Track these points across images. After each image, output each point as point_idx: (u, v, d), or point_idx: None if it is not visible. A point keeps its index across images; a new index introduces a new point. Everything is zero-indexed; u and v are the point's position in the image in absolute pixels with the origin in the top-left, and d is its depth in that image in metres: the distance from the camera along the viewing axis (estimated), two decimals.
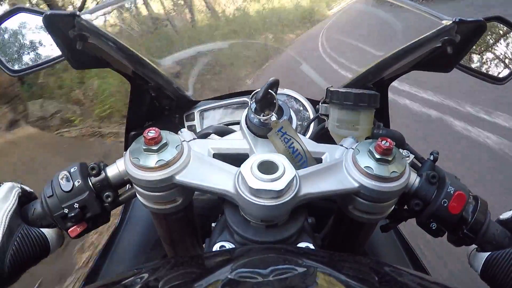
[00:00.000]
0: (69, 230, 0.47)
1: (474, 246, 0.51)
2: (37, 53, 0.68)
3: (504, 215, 0.51)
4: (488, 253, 0.47)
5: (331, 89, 0.63)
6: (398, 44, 0.63)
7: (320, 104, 0.67)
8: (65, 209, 0.46)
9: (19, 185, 0.49)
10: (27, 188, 0.51)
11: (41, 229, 0.47)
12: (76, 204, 0.46)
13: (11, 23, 0.65)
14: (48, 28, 0.54)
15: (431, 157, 0.52)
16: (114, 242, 0.84)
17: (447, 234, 0.50)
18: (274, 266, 0.35)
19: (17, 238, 0.44)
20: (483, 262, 0.47)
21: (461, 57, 0.59)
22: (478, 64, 0.65)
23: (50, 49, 0.64)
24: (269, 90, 0.49)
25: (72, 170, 0.48)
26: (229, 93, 1.12)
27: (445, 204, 0.47)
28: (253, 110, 0.50)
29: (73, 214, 0.46)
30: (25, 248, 0.45)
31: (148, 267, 0.44)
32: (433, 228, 0.48)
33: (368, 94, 0.58)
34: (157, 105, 0.94)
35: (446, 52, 0.57)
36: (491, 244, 0.48)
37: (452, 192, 0.47)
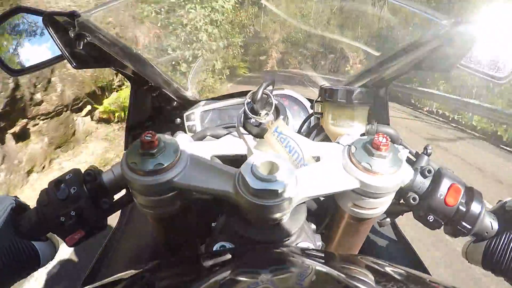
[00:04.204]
0: (66, 238, 0.46)
1: (469, 241, 0.52)
2: (37, 52, 0.68)
3: (496, 205, 0.52)
4: (486, 241, 0.49)
5: (325, 87, 0.63)
6: None
7: (314, 102, 0.67)
8: (61, 218, 0.45)
9: (12, 198, 0.48)
10: (22, 202, 0.49)
11: (32, 242, 0.46)
12: (72, 211, 0.45)
13: (11, 23, 0.65)
14: (48, 28, 0.54)
15: (425, 152, 0.53)
16: (113, 243, 0.84)
17: (444, 226, 0.51)
18: (274, 266, 0.35)
19: (5, 250, 0.43)
20: (482, 251, 0.49)
21: (461, 57, 0.59)
22: (478, 63, 0.65)
23: (50, 48, 0.64)
24: (265, 90, 0.48)
25: (67, 177, 0.46)
26: (229, 93, 1.12)
27: (441, 197, 0.48)
28: (249, 110, 0.50)
29: (70, 222, 0.45)
30: (13, 261, 0.43)
31: (148, 268, 0.44)
32: (430, 220, 0.49)
33: (361, 92, 0.59)
34: (157, 105, 0.94)
35: (446, 52, 0.57)
36: (487, 233, 0.49)
37: (447, 185, 0.48)
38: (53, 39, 0.57)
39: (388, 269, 0.41)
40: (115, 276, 0.41)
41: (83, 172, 0.48)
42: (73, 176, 0.47)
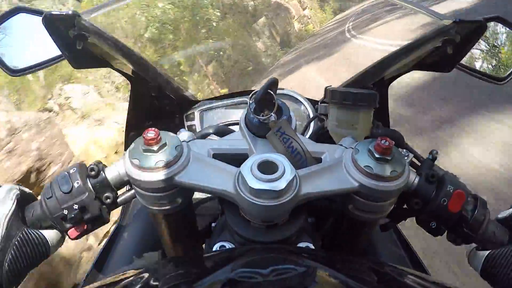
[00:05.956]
0: (69, 231, 0.47)
1: (473, 245, 0.51)
2: (37, 52, 0.68)
3: (503, 214, 0.51)
4: (488, 251, 0.47)
5: (330, 88, 0.63)
6: None
7: (319, 103, 0.67)
8: (64, 210, 0.45)
9: (17, 187, 0.48)
10: (26, 190, 0.50)
11: (40, 231, 0.46)
12: (75, 205, 0.46)
13: (11, 23, 0.65)
14: (48, 28, 0.54)
15: (430, 156, 0.52)
16: (114, 242, 0.84)
17: (446, 232, 0.50)
18: (274, 266, 0.35)
19: (16, 241, 0.43)
20: (483, 260, 0.48)
21: (461, 57, 0.59)
22: (478, 63, 0.65)
23: (50, 48, 0.64)
24: (268, 90, 0.49)
25: (71, 171, 0.47)
26: (230, 93, 1.12)
27: (445, 203, 0.47)
28: (252, 110, 0.50)
29: (72, 215, 0.45)
30: (25, 251, 0.44)
31: (148, 267, 0.44)
32: (433, 227, 0.49)
33: (367, 94, 0.58)
34: (157, 105, 0.94)
35: (446, 52, 0.57)
36: (490, 242, 0.48)
37: (451, 191, 0.47)
38: (53, 39, 0.57)
39: (388, 269, 0.41)
40: (115, 275, 0.42)
41: (87, 166, 0.49)
42: (77, 170, 0.47)
